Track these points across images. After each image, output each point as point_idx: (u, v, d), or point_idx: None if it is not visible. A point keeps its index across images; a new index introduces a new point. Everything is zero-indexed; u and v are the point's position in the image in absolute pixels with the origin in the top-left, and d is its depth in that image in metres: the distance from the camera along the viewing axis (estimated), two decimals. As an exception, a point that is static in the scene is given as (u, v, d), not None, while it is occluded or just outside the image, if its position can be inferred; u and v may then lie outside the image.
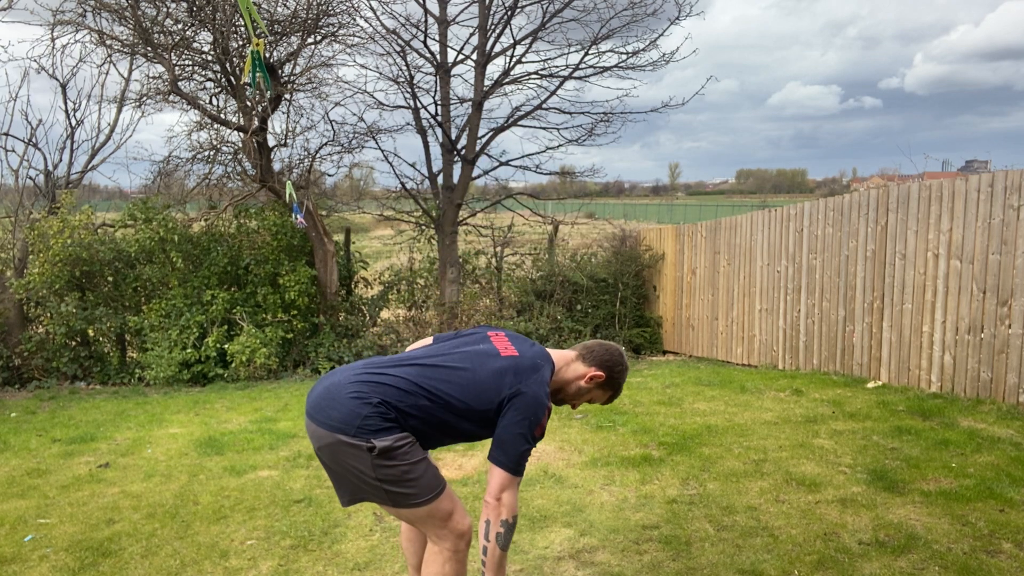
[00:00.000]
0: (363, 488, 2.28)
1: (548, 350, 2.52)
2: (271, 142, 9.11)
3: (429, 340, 2.65)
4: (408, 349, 2.63)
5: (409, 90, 9.73)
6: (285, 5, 8.73)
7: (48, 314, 8.88)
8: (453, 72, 9.95)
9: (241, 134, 8.59)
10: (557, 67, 9.92)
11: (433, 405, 2.28)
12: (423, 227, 10.48)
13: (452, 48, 9.87)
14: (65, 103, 9.64)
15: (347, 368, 2.39)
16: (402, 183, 10.14)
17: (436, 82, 9.91)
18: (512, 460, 2.24)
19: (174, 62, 8.14)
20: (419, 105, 9.80)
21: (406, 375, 2.32)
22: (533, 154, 10.16)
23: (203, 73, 9.07)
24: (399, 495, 2.25)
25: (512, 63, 9.84)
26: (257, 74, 3.60)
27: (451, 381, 2.32)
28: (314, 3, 8.47)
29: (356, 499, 2.35)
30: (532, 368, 2.35)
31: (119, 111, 9.94)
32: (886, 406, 5.62)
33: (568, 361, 2.51)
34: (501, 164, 10.27)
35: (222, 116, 9.04)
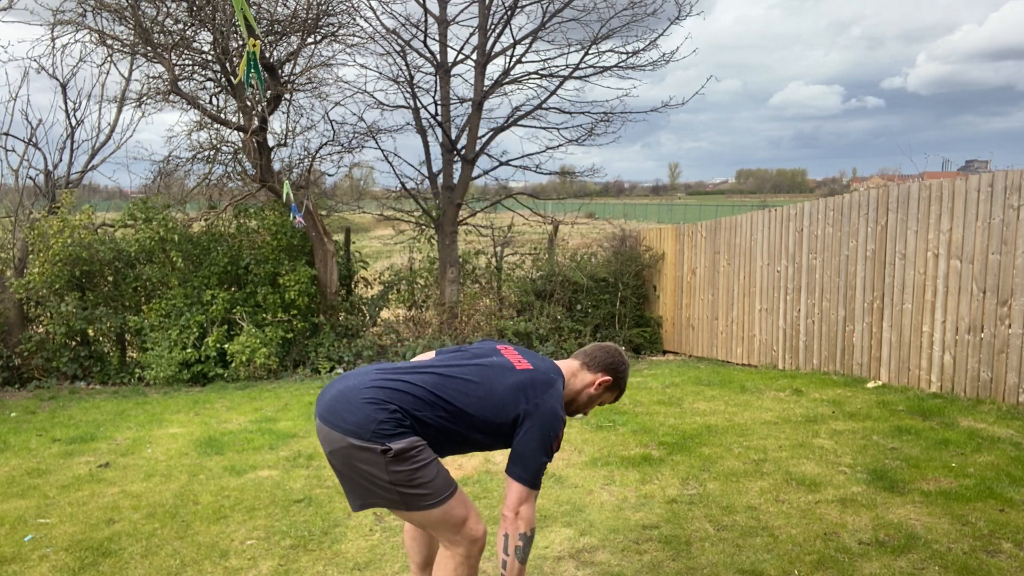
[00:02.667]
0: (375, 492, 2.26)
1: (557, 363, 2.55)
2: (271, 142, 9.11)
3: (432, 354, 2.62)
4: (413, 360, 2.59)
5: (409, 90, 9.73)
6: (285, 5, 8.73)
7: (48, 314, 8.88)
8: (453, 72, 9.95)
9: (241, 134, 8.60)
10: (557, 67, 9.92)
11: (449, 416, 2.29)
12: (423, 227, 10.48)
13: (452, 48, 9.87)
14: (65, 103, 9.64)
15: (360, 372, 2.37)
16: (402, 183, 10.14)
17: (436, 82, 9.91)
18: (530, 474, 2.28)
19: (174, 62, 8.15)
20: (419, 105, 9.80)
21: (423, 383, 2.30)
22: (533, 154, 10.16)
23: (203, 73, 9.08)
24: (412, 497, 2.23)
25: (512, 63, 9.84)
26: (251, 74, 3.58)
27: (468, 393, 2.32)
28: (314, 3, 8.47)
29: (367, 504, 2.32)
30: (547, 383, 2.38)
31: (119, 111, 9.94)
32: (886, 406, 5.62)
33: (574, 371, 2.54)
34: (501, 164, 10.27)
35: (222, 116, 9.05)
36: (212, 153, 9.41)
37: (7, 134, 9.41)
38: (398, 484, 2.21)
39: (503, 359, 2.46)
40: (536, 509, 3.77)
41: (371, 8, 11.98)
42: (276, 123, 9.49)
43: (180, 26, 8.39)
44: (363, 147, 10.21)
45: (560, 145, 10.20)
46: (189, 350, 8.49)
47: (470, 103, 9.91)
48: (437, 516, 2.26)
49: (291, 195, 8.15)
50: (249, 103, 8.66)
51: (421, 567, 2.60)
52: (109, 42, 8.51)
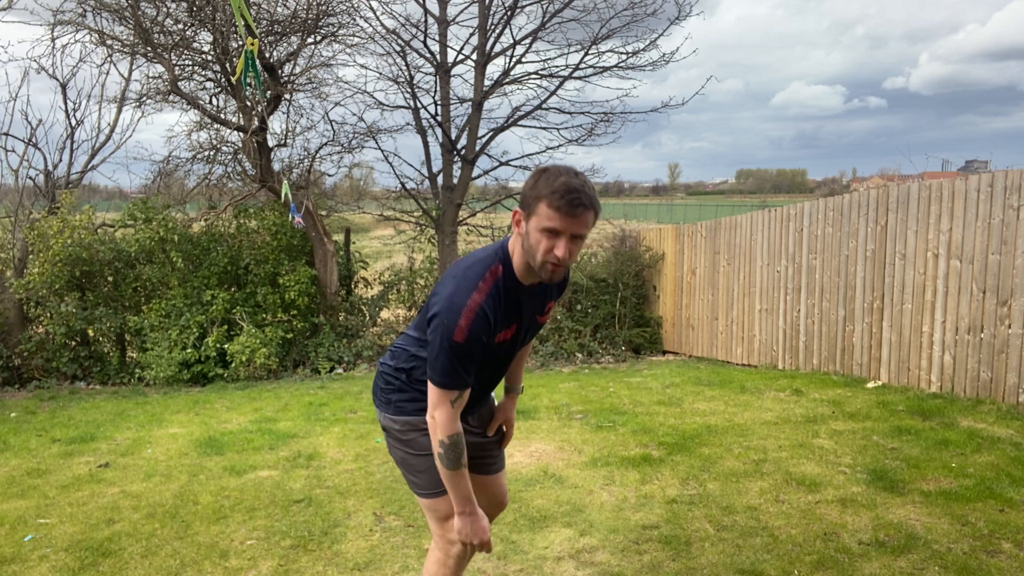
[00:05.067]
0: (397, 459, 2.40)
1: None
2: (271, 142, 9.12)
3: None
4: None
5: (409, 90, 9.74)
6: (285, 5, 8.75)
7: (48, 314, 8.88)
8: (453, 72, 9.95)
9: (241, 134, 8.60)
10: (557, 67, 9.94)
11: (416, 346, 2.27)
12: (423, 227, 10.49)
13: (452, 48, 9.89)
14: (65, 103, 9.66)
15: None
16: (402, 183, 10.16)
17: (436, 82, 9.92)
18: (435, 373, 2.05)
19: (174, 62, 8.15)
20: (419, 105, 9.82)
21: (409, 329, 2.38)
22: (533, 154, 10.18)
23: (203, 73, 9.09)
24: (408, 480, 2.36)
25: (512, 63, 9.85)
26: (249, 73, 3.58)
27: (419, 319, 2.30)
28: (314, 3, 8.48)
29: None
30: (451, 277, 2.10)
31: (119, 111, 9.96)
32: (886, 406, 5.62)
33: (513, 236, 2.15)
34: (501, 164, 10.29)
35: (222, 116, 9.05)
36: (212, 153, 9.42)
37: (7, 134, 9.43)
38: (398, 462, 2.37)
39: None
40: (537, 509, 3.78)
41: (371, 8, 12.02)
42: (276, 123, 9.50)
43: (180, 26, 8.40)
44: (363, 147, 10.25)
45: (560, 145, 10.22)
46: (189, 350, 8.49)
47: (470, 103, 9.92)
48: (425, 505, 2.35)
49: (291, 195, 8.15)
50: (249, 103, 8.66)
51: None
52: (109, 42, 8.52)
